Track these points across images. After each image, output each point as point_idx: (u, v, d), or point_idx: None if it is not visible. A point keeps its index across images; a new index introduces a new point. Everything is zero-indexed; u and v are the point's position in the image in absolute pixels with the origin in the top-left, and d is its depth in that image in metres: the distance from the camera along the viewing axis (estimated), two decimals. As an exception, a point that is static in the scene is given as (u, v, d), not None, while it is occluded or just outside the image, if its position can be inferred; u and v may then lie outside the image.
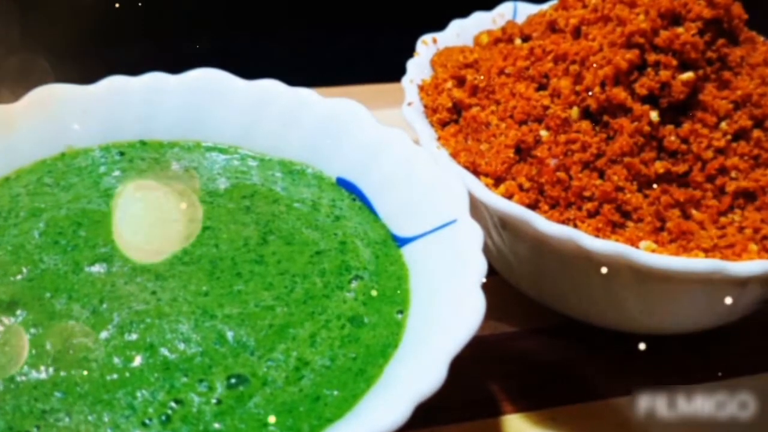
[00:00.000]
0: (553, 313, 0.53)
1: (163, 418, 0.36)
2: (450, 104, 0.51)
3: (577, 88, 0.46)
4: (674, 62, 0.45)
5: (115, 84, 0.50)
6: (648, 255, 0.41)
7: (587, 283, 0.46)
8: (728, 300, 0.45)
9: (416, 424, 0.49)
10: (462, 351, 0.53)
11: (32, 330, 0.39)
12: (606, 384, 0.50)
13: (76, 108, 0.50)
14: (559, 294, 0.49)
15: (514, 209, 0.44)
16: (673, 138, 0.45)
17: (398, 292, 0.43)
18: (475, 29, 0.58)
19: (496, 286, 0.54)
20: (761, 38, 0.49)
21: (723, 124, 0.45)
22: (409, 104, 0.51)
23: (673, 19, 0.45)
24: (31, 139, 0.48)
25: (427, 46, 0.56)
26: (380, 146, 0.48)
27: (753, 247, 0.43)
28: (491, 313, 0.54)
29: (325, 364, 0.39)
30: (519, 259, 0.49)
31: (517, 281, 0.52)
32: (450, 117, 0.51)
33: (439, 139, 0.50)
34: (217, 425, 0.36)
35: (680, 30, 0.45)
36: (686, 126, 0.45)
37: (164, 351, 0.39)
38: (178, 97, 0.51)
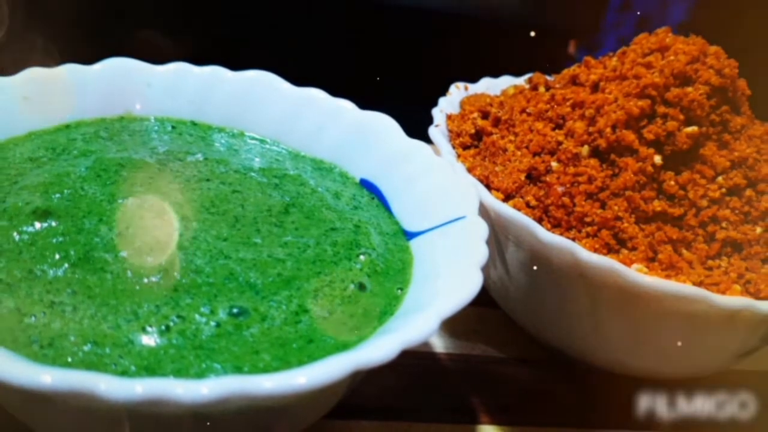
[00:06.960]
0: (543, 350, 0.55)
1: (163, 327, 0.38)
2: (473, 130, 0.55)
3: (590, 129, 0.50)
4: (681, 116, 0.49)
5: (179, 68, 0.56)
6: (637, 274, 0.43)
7: (576, 306, 0.48)
8: (712, 341, 0.47)
9: (401, 417, 0.50)
10: (451, 364, 0.55)
11: (60, 238, 0.41)
12: (583, 414, 0.51)
13: (141, 81, 0.55)
14: (549, 320, 0.51)
15: (518, 216, 0.47)
16: (672, 183, 0.48)
17: (401, 273, 0.46)
18: (504, 86, 0.63)
19: (497, 319, 0.57)
20: (758, 121, 0.53)
21: (719, 179, 0.49)
22: (436, 126, 0.55)
23: (684, 80, 0.50)
24: (96, 98, 0.53)
25: (458, 90, 0.61)
26: (404, 155, 0.52)
27: (737, 287, 0.45)
28: (485, 338, 0.57)
29: (324, 315, 0.41)
30: (516, 284, 0.51)
31: (512, 309, 0.54)
32: (471, 142, 0.55)
33: (458, 157, 0.54)
34: (211, 344, 0.38)
35: (690, 89, 0.49)
36: (686, 174, 0.49)
37: (176, 275, 0.41)
38: (232, 89, 0.56)
